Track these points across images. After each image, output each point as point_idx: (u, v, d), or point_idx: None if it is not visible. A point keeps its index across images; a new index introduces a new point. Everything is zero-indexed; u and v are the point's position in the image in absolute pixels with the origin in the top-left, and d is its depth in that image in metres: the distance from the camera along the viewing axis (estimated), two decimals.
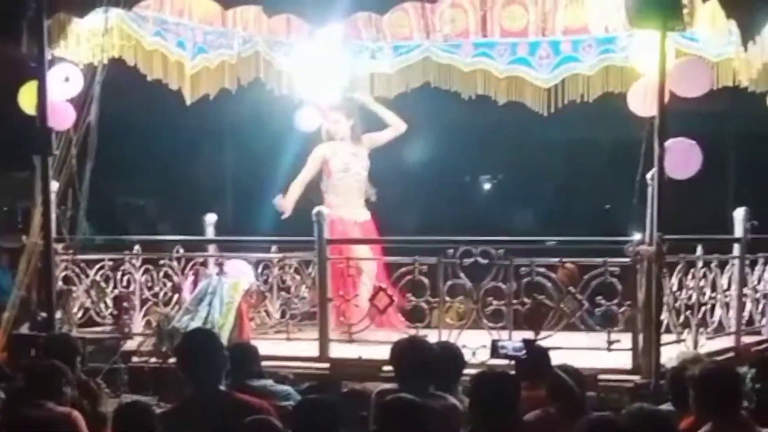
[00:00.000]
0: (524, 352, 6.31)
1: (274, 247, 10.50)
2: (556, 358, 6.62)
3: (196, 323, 9.30)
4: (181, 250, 10.11)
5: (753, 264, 10.05)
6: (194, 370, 6.19)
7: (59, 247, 9.54)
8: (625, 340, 8.55)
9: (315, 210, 9.46)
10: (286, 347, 9.54)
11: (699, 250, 9.45)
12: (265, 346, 8.62)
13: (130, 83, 10.33)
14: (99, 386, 7.85)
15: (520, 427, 6.09)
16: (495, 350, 6.48)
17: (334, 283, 9.57)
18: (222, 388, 6.21)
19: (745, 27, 8.47)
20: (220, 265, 9.82)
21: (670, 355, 8.21)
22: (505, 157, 16.99)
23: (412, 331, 8.74)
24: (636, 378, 8.29)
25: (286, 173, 11.09)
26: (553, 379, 6.29)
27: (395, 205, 11.03)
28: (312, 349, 9.25)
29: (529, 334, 8.28)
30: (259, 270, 10.18)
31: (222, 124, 15.48)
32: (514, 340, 6.86)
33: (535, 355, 6.31)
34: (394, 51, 11.24)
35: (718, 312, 9.69)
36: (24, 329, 9.28)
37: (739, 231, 9.75)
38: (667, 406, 6.83)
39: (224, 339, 8.69)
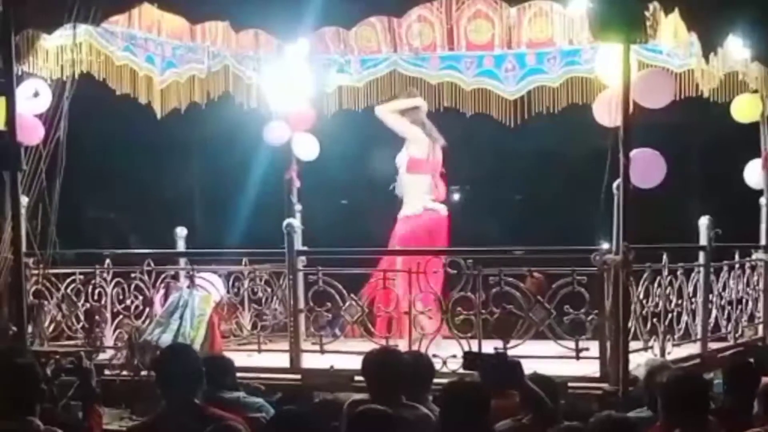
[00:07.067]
0: (496, 363, 6.33)
1: (245, 260, 10.55)
2: (526, 367, 6.69)
3: (167, 336, 9.35)
4: (152, 263, 10.15)
5: (718, 272, 10.17)
6: (168, 384, 6.20)
7: (30, 261, 9.54)
8: (594, 348, 8.64)
9: (285, 222, 9.52)
10: (257, 358, 9.59)
11: (665, 258, 9.55)
12: (236, 358, 8.65)
13: (100, 98, 10.35)
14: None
15: None
16: (467, 361, 6.51)
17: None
18: (197, 401, 6.22)
19: (705, 40, 8.58)
20: (191, 278, 9.86)
21: (638, 362, 8.31)
22: (473, 169, 17.05)
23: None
24: (605, 385, 8.37)
25: (256, 186, 11.10)
26: (525, 389, 6.34)
27: (365, 217, 11.06)
28: (283, 360, 9.31)
29: (498, 344, 8.36)
30: (230, 282, 10.23)
31: (192, 137, 15.47)
32: (486, 351, 6.90)
33: (507, 366, 6.34)
34: (361, 64, 11.30)
35: (685, 319, 9.79)
36: None
37: (703, 239, 9.86)
38: (636, 413, 6.93)
39: None
